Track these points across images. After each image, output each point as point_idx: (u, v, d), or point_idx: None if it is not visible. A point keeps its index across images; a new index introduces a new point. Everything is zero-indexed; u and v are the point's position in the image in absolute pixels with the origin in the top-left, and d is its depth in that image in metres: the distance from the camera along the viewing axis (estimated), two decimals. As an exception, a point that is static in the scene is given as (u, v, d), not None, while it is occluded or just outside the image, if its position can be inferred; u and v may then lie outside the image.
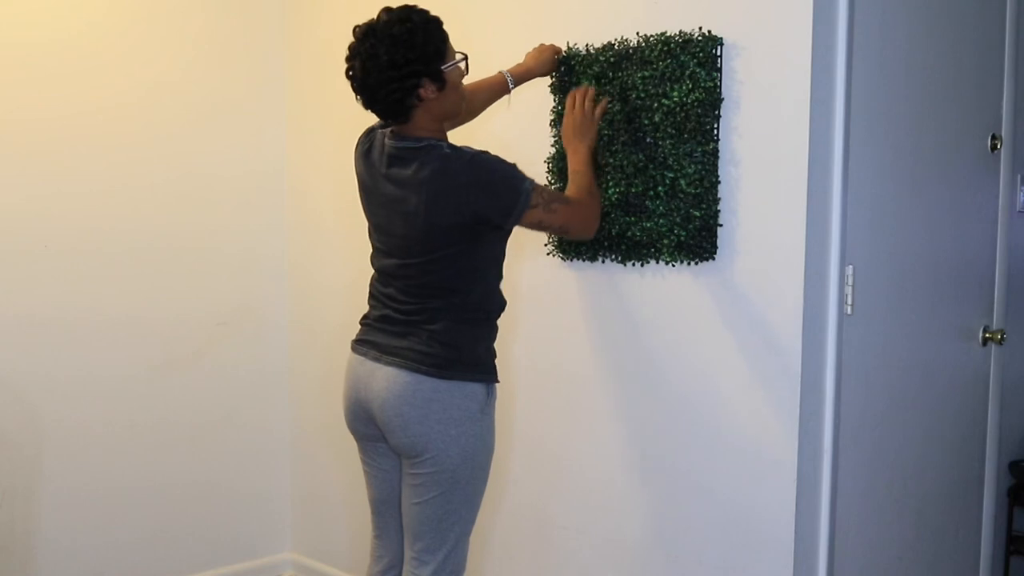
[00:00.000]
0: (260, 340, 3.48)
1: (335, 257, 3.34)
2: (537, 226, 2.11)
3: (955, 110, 2.61)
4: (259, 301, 3.48)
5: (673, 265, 2.37)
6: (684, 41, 2.28)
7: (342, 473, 3.32)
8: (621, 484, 2.51)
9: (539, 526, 2.72)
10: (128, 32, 3.13)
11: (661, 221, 2.35)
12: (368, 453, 2.26)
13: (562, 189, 2.35)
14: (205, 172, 3.31)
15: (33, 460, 3.01)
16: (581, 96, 2.36)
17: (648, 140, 2.35)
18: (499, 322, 2.20)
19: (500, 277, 2.18)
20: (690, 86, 2.27)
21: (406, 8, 2.02)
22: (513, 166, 2.06)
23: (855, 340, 2.28)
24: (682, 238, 2.32)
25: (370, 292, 2.24)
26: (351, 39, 2.03)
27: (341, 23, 3.27)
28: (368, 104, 2.05)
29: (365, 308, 2.26)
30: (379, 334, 2.16)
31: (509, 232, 2.13)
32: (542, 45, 2.49)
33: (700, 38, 2.25)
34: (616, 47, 2.41)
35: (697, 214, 2.29)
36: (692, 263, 2.33)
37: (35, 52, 2.96)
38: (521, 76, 2.48)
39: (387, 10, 2.02)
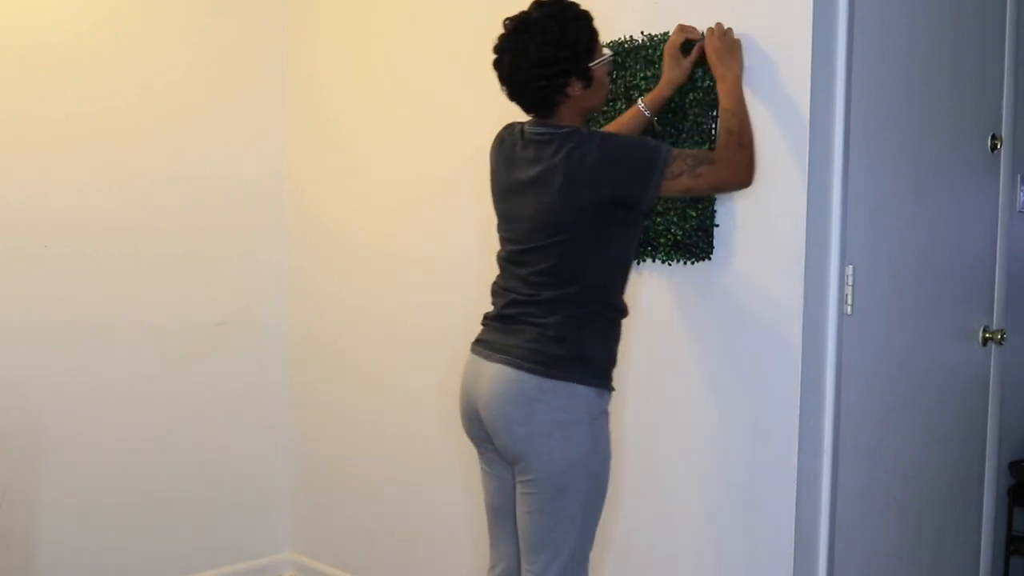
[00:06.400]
0: (260, 340, 3.48)
1: (335, 257, 3.34)
2: (686, 193, 2.02)
3: (955, 110, 2.61)
4: (259, 301, 3.48)
5: (669, 264, 2.37)
6: (684, 41, 2.28)
7: (342, 473, 3.32)
8: (617, 483, 2.51)
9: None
10: (128, 32, 3.14)
11: (658, 219, 2.35)
12: (483, 457, 2.18)
13: None
14: (205, 173, 3.31)
15: (33, 461, 3.01)
16: (718, 28, 2.21)
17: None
18: None
19: (625, 272, 2.09)
20: (688, 86, 2.27)
21: (559, 2, 1.99)
22: (648, 140, 2.02)
23: (855, 340, 2.27)
24: (679, 237, 2.32)
25: (492, 289, 2.18)
26: (502, 31, 2.01)
27: (341, 23, 3.30)
28: (513, 96, 2.04)
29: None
30: (493, 332, 2.10)
31: (645, 215, 2.06)
32: (671, 42, 2.25)
33: (699, 38, 2.25)
34: (625, 45, 2.41)
35: (693, 214, 2.29)
36: (689, 262, 2.33)
37: (35, 52, 2.96)
38: (658, 102, 2.29)
39: (539, 4, 1.98)
